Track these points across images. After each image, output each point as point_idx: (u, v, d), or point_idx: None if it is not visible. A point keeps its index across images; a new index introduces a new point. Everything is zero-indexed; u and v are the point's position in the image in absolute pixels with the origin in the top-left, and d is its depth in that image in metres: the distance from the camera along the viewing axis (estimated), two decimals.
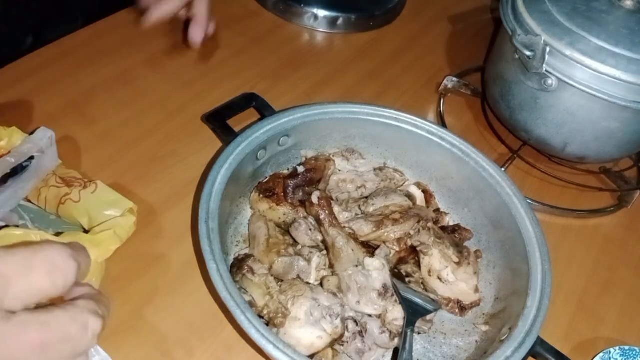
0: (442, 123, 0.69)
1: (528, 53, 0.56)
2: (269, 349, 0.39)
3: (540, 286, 0.47)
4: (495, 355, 0.43)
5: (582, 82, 0.55)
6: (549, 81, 0.57)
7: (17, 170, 0.50)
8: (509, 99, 0.63)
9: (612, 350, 0.51)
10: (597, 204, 0.65)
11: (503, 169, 0.55)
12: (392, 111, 0.57)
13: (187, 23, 0.62)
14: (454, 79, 0.72)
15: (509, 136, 0.68)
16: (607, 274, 0.59)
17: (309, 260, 0.49)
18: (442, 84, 0.72)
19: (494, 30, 0.82)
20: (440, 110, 0.71)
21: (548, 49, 0.55)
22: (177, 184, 0.58)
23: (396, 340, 0.47)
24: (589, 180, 0.67)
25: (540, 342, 0.45)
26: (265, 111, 0.59)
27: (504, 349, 0.43)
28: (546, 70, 0.56)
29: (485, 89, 0.70)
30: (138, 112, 0.63)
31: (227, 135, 0.54)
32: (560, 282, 0.57)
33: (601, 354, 0.51)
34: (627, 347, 0.51)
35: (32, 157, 0.51)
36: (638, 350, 0.51)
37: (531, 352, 0.44)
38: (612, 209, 0.65)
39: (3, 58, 0.65)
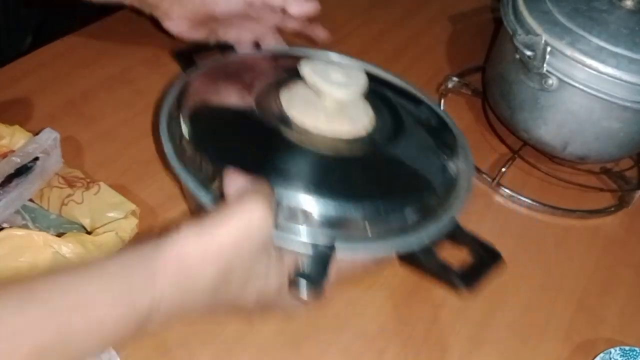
0: None
1: (529, 53, 0.56)
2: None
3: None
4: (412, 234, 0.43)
5: (582, 82, 0.55)
6: (550, 81, 0.57)
7: (22, 171, 0.50)
8: (510, 99, 0.63)
9: (612, 350, 0.51)
10: (598, 204, 0.65)
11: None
12: None
13: None
14: (455, 78, 0.72)
15: (509, 136, 0.68)
16: (607, 274, 0.59)
17: None
18: (443, 84, 0.72)
19: (495, 30, 0.82)
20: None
21: (549, 48, 0.55)
22: (177, 184, 0.58)
23: None
24: (589, 180, 0.67)
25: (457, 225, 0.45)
26: None
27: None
28: (547, 70, 0.56)
29: (485, 88, 0.70)
30: (138, 111, 0.63)
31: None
32: (560, 282, 0.57)
33: (602, 355, 0.51)
34: (627, 348, 0.51)
35: (36, 158, 0.51)
36: (639, 351, 0.51)
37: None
38: (612, 209, 0.65)
39: (2, 58, 0.65)
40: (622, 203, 0.65)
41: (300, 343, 0.48)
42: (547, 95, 0.59)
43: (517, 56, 0.58)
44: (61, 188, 0.51)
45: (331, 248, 0.40)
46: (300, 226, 0.41)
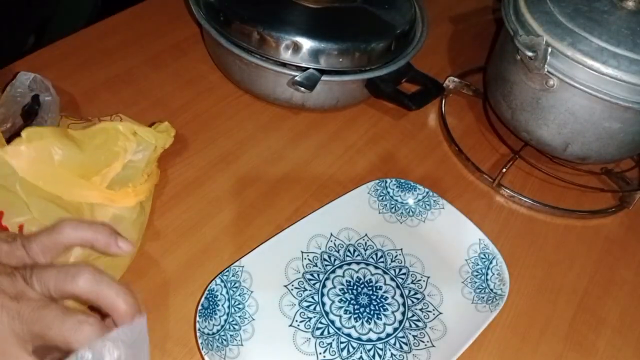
0: (443, 123, 0.69)
1: (530, 54, 0.56)
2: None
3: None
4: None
5: (583, 82, 0.55)
6: (551, 82, 0.57)
7: (32, 112, 0.52)
8: (511, 100, 0.63)
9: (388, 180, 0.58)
10: (599, 205, 0.65)
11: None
12: None
13: None
14: (456, 79, 0.72)
15: (510, 137, 0.68)
16: (608, 275, 0.59)
17: None
18: (444, 85, 0.72)
19: (496, 30, 0.82)
20: (442, 111, 0.71)
21: (550, 49, 0.55)
22: (177, 184, 0.58)
23: None
24: (590, 181, 0.67)
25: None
26: None
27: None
28: (548, 71, 0.56)
29: (486, 89, 0.70)
30: (140, 111, 0.63)
31: None
32: (561, 282, 0.57)
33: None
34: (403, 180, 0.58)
35: (36, 97, 0.53)
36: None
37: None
38: (613, 209, 0.65)
39: (5, 58, 0.65)
40: (622, 204, 0.65)
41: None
42: (548, 95, 0.59)
43: (518, 57, 0.59)
44: (78, 122, 0.55)
45: (321, 72, 0.60)
46: (298, 57, 0.60)
